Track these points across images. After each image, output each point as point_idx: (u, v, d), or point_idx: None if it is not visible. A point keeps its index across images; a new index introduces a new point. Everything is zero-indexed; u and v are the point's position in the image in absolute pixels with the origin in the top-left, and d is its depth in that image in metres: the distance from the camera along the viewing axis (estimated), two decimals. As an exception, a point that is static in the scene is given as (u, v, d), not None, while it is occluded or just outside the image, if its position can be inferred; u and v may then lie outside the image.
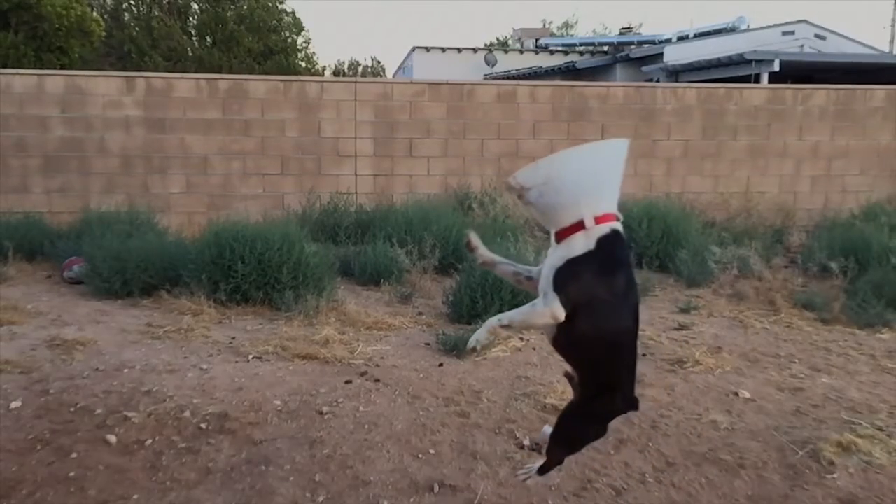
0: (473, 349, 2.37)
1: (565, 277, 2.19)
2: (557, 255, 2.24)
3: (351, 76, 36.46)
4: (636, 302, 2.34)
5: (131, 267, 6.71)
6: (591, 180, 2.22)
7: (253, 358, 5.04)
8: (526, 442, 3.78)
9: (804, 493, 3.30)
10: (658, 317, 6.45)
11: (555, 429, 2.59)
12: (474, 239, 2.52)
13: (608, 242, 2.21)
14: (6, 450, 3.58)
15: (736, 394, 4.52)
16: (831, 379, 4.85)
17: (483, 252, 2.54)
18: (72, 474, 3.37)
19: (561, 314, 2.19)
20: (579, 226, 2.21)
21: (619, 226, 2.26)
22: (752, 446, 3.76)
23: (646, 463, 3.59)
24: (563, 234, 2.23)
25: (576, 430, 2.54)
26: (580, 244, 2.21)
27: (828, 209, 10.46)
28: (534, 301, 2.27)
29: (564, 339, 2.30)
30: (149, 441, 3.72)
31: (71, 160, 9.41)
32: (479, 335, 2.33)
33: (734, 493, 3.32)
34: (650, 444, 3.79)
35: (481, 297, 6.00)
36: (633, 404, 2.47)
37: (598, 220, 2.21)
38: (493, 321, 2.30)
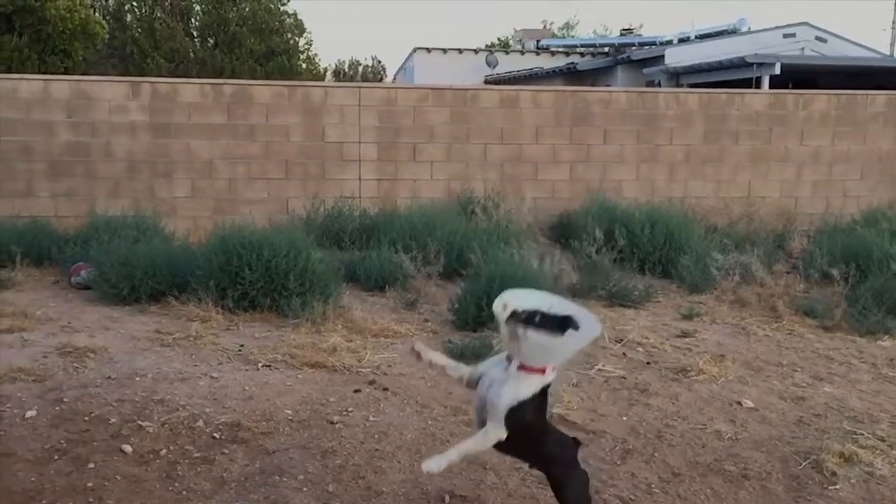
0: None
1: (516, 415, 2.71)
2: (510, 388, 2.70)
3: (351, 76, 36.47)
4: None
5: (139, 273, 6.76)
6: (572, 344, 2.71)
7: (262, 366, 5.11)
8: (534, 452, 3.84)
9: (807, 505, 3.37)
10: (661, 323, 6.51)
11: None
12: (422, 350, 2.92)
13: (547, 387, 2.79)
14: (24, 459, 3.65)
15: (739, 403, 4.59)
16: (833, 388, 4.93)
17: (434, 359, 2.94)
18: (90, 484, 3.43)
19: (504, 436, 2.74)
20: (541, 370, 2.72)
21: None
22: (756, 457, 3.83)
23: (652, 474, 3.66)
24: (526, 369, 2.71)
25: (575, 490, 2.98)
26: (533, 386, 2.72)
27: (829, 214, 10.50)
28: (484, 429, 2.77)
29: (504, 447, 2.86)
30: (163, 451, 3.79)
31: (77, 165, 9.47)
32: (438, 464, 2.72)
33: (738, 503, 3.39)
34: (656, 455, 3.86)
35: (487, 305, 6.04)
36: (575, 442, 3.04)
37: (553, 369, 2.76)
38: (453, 455, 2.76)
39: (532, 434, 2.84)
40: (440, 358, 2.99)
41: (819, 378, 5.12)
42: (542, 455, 2.95)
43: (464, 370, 2.94)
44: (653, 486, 3.54)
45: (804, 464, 3.74)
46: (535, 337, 2.60)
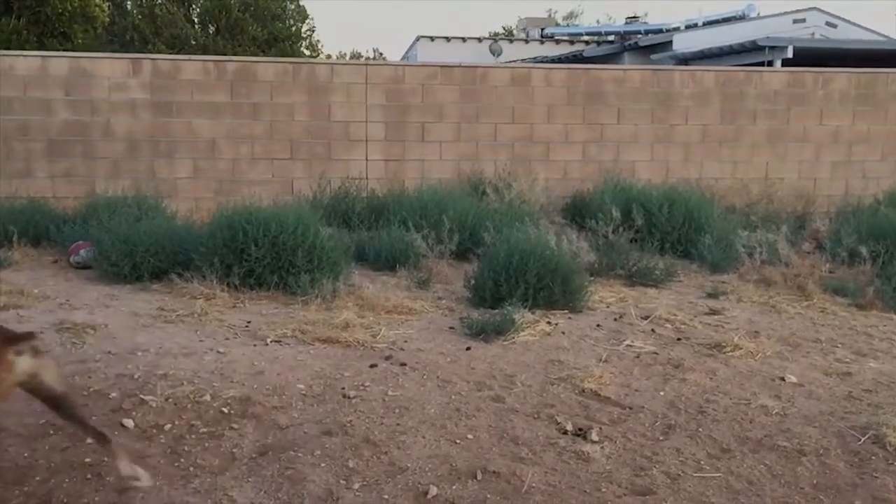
0: None
1: None
2: None
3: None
4: None
5: (140, 250, 6.48)
6: None
7: (272, 341, 4.82)
8: (569, 427, 3.56)
9: (874, 482, 3.08)
10: (686, 301, 6.22)
11: None
12: None
13: None
14: (17, 434, 3.36)
15: (782, 378, 4.30)
16: (879, 363, 4.64)
17: None
18: (87, 460, 3.15)
19: None
20: None
21: None
22: (810, 432, 3.54)
23: (699, 449, 3.37)
24: None
25: None
26: None
27: (849, 195, 10.21)
28: None
29: None
30: (168, 425, 3.50)
31: (76, 144, 9.16)
32: None
33: (798, 481, 3.10)
34: (700, 430, 3.57)
35: (505, 281, 5.79)
36: None
37: None
38: None
39: None
40: None
41: (862, 354, 4.83)
42: None
43: None
44: (701, 461, 3.25)
45: (863, 439, 3.45)
46: None
